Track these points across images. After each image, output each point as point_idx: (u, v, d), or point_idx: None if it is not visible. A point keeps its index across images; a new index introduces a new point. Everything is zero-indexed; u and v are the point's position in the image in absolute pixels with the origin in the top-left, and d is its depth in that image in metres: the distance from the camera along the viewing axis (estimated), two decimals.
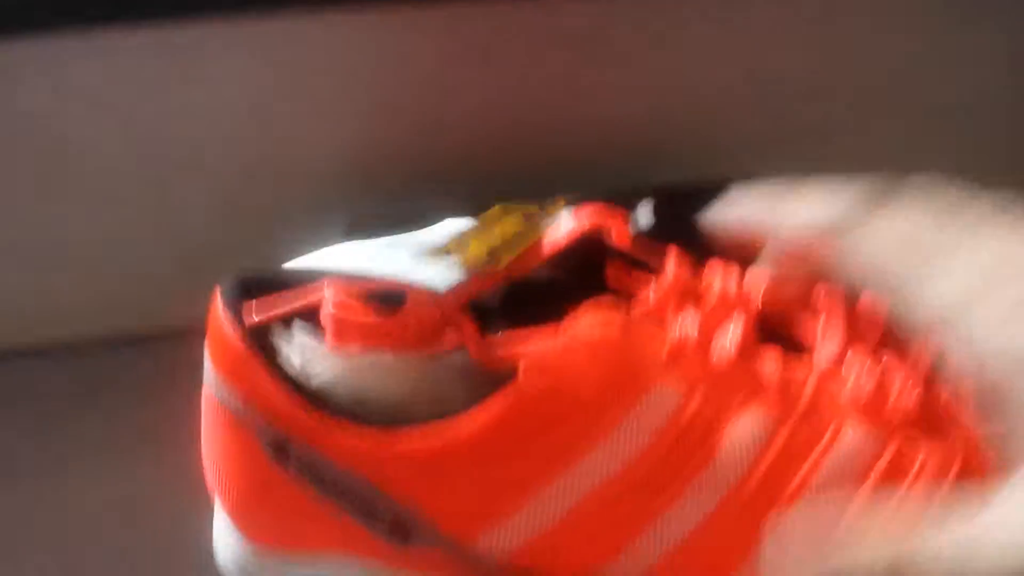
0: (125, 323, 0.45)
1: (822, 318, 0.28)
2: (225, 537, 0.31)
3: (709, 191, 0.29)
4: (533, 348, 0.25)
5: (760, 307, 0.28)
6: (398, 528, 0.27)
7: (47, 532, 0.37)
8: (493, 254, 0.27)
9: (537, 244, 0.28)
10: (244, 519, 0.29)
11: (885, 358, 0.28)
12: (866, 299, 0.29)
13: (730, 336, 0.27)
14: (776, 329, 0.28)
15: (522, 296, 0.29)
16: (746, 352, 0.27)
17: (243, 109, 0.42)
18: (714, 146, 0.48)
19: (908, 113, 0.49)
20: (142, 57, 0.40)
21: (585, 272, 0.29)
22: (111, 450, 0.40)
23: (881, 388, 0.27)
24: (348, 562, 0.29)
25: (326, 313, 0.26)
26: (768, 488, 0.26)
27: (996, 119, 0.51)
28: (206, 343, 0.28)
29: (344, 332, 0.26)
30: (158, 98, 0.42)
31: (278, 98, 0.42)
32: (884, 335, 0.29)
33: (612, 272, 0.29)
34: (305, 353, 0.26)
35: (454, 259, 0.27)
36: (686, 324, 0.27)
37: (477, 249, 0.27)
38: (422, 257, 0.28)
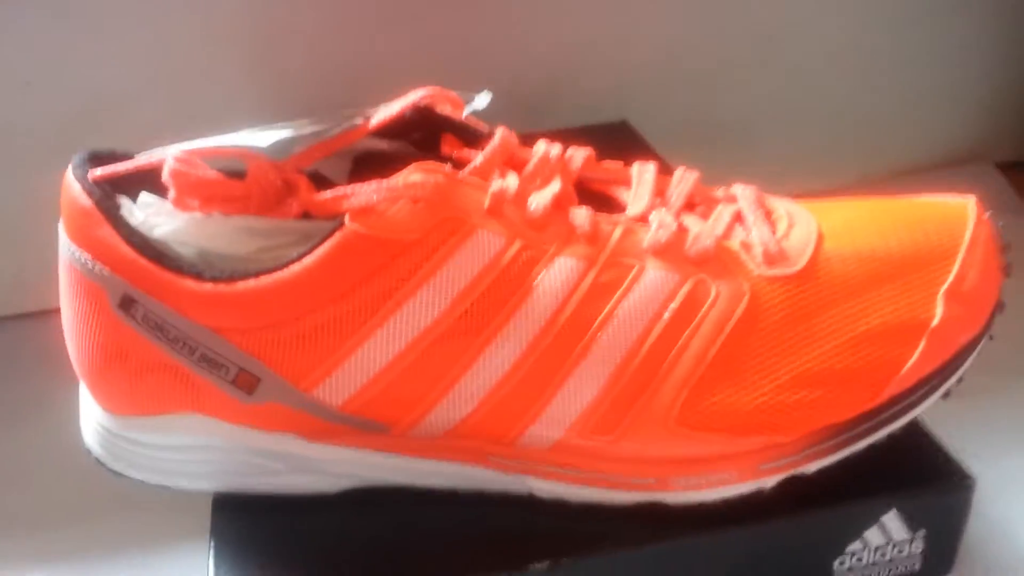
0: None
1: (633, 186, 0.31)
2: (87, 414, 0.32)
3: None
4: (360, 197, 0.27)
5: (577, 175, 0.31)
6: (243, 379, 0.29)
7: None
8: (321, 130, 0.29)
9: (367, 119, 0.30)
10: (99, 385, 0.30)
11: (685, 215, 0.31)
12: (676, 173, 0.32)
13: (546, 193, 0.29)
14: (595, 198, 0.31)
15: (368, 169, 0.31)
16: (560, 207, 0.30)
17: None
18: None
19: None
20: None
21: (427, 146, 0.31)
22: None
23: (679, 236, 0.30)
24: (200, 425, 0.30)
25: (168, 168, 0.28)
26: (575, 325, 0.29)
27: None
28: (61, 210, 0.29)
29: (186, 186, 0.28)
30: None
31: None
32: (688, 202, 0.32)
33: (446, 144, 0.31)
34: (148, 208, 0.28)
35: (283, 127, 0.29)
36: (507, 180, 0.29)
37: (307, 126, 0.29)
38: (255, 131, 0.30)
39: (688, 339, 0.29)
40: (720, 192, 0.33)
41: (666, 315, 0.29)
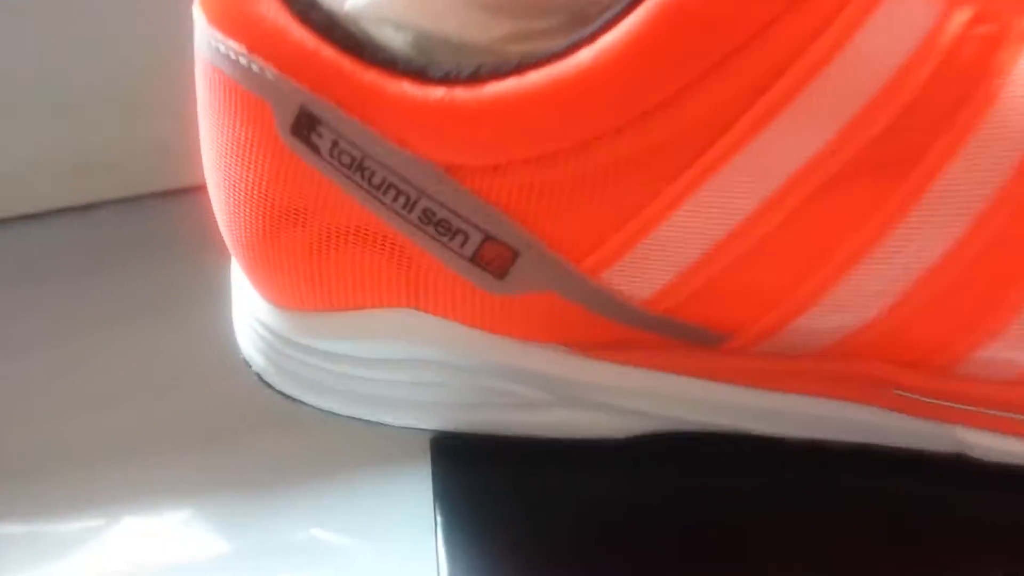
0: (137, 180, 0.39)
1: None
2: (244, 311, 0.22)
3: None
4: None
5: None
6: (490, 253, 0.18)
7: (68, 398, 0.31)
8: None
9: None
10: (262, 264, 0.20)
11: None
12: None
13: None
14: None
15: None
16: None
17: None
18: None
19: None
20: None
21: None
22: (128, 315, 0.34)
23: None
24: (418, 328, 0.20)
25: None
26: None
27: None
28: None
29: None
30: None
31: None
32: None
33: None
34: None
35: None
36: None
37: None
38: None
39: None
40: None
41: None
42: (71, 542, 0.27)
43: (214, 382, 0.30)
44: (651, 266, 0.18)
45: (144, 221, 0.40)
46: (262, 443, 0.29)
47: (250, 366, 0.23)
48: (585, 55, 0.17)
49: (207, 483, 0.28)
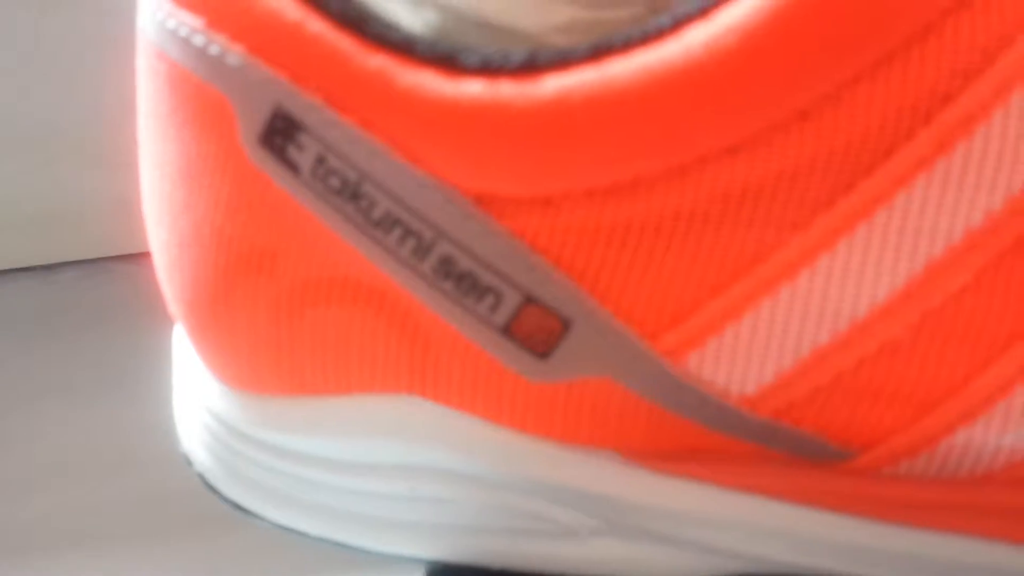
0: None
1: None
2: (189, 394, 0.17)
3: None
4: None
5: None
6: (533, 322, 0.13)
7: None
8: None
9: None
10: (215, 330, 0.15)
11: None
12: None
13: None
14: None
15: None
16: None
17: None
18: None
19: None
20: None
21: None
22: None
23: None
24: (422, 423, 0.15)
25: None
26: None
27: None
28: None
29: None
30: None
31: None
32: None
33: None
34: None
35: None
36: None
37: None
38: None
39: None
40: None
41: None
42: None
43: (162, 469, 0.26)
44: (759, 350, 0.13)
45: (105, 285, 0.36)
46: (202, 543, 0.24)
47: (191, 464, 0.17)
48: (695, 37, 0.12)
49: None
